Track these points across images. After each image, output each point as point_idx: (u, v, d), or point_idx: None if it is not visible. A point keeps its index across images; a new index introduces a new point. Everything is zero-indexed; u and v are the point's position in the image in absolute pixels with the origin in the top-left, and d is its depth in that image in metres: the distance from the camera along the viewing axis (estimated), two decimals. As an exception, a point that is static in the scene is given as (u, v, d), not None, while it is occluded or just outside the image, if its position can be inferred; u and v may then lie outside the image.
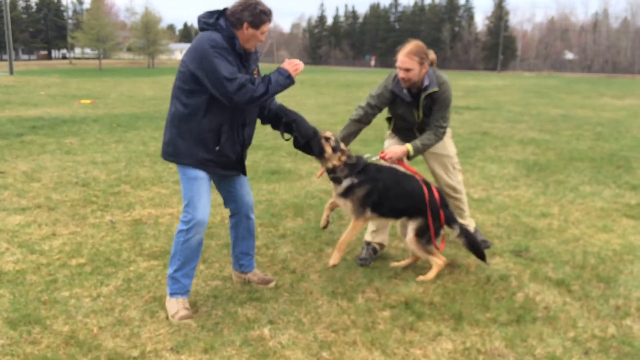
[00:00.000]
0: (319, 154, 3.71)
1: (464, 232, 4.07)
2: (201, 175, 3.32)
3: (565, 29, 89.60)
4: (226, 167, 3.40)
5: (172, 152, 3.33)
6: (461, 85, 30.96)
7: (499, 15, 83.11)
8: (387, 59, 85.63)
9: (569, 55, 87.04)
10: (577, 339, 3.15)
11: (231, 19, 3.20)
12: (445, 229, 4.08)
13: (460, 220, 4.63)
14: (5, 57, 47.28)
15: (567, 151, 9.34)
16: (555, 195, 6.38)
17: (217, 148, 3.29)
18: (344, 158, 3.77)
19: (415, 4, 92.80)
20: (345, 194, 3.81)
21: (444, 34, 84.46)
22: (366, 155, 4.03)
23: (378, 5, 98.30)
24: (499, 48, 78.98)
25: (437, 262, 3.95)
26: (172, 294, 3.38)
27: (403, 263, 4.20)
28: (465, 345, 3.07)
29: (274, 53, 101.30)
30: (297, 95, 21.50)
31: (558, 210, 5.76)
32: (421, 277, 3.91)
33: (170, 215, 5.35)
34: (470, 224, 4.68)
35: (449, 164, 4.49)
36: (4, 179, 6.64)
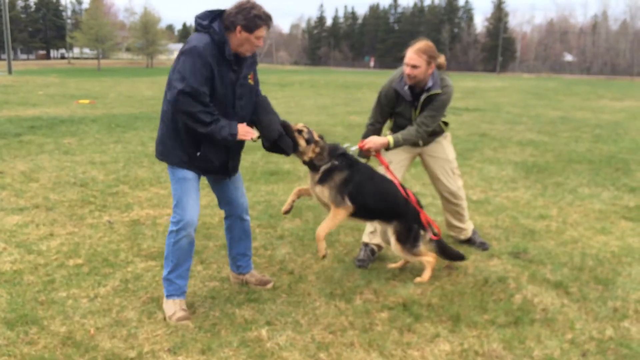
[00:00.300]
0: (293, 149, 3.56)
1: (440, 243, 4.05)
2: (189, 175, 3.31)
3: (564, 31, 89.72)
4: (209, 172, 3.39)
5: (162, 151, 3.34)
6: (460, 87, 30.98)
7: (499, 16, 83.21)
8: (386, 60, 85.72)
9: (568, 57, 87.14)
10: (575, 341, 3.15)
11: (226, 22, 3.17)
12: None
13: (459, 225, 4.64)
14: (4, 56, 47.24)
15: (565, 153, 9.35)
16: (553, 197, 6.38)
17: (198, 154, 3.26)
18: (317, 149, 3.66)
19: (415, 5, 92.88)
20: (323, 179, 3.68)
21: (444, 35, 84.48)
22: (345, 145, 3.93)
23: (377, 6, 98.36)
24: (498, 49, 79.09)
25: (429, 260, 3.94)
26: (168, 296, 3.38)
27: (400, 264, 4.19)
28: (463, 346, 3.07)
29: (273, 54, 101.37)
30: (296, 96, 21.50)
31: (556, 212, 5.76)
32: (418, 279, 3.91)
33: (168, 215, 5.34)
34: (468, 226, 4.69)
35: (448, 168, 4.48)
36: (2, 178, 6.63)
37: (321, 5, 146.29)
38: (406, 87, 4.15)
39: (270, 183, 6.81)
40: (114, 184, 6.52)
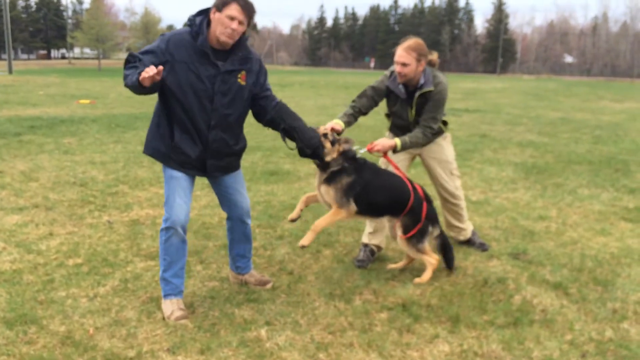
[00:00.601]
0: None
1: (442, 236, 4.08)
2: (177, 174, 3.31)
3: (564, 32, 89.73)
4: (184, 165, 3.32)
5: (146, 144, 3.43)
6: (460, 88, 30.99)
7: (499, 18, 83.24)
8: (386, 61, 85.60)
9: (568, 59, 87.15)
10: (574, 342, 3.15)
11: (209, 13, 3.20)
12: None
13: (458, 224, 4.64)
14: (5, 56, 47.25)
15: (565, 154, 9.35)
16: (553, 198, 6.38)
17: (172, 143, 3.27)
18: (341, 148, 3.70)
19: (415, 6, 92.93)
20: (330, 179, 3.69)
21: (444, 36, 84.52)
22: (355, 148, 3.93)
23: (378, 7, 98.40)
24: (498, 51, 79.10)
25: (431, 261, 3.95)
26: (165, 296, 3.38)
27: (400, 265, 4.20)
28: (462, 347, 3.07)
29: (274, 54, 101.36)
30: (296, 96, 21.51)
31: (556, 213, 5.76)
32: (417, 280, 3.91)
33: (168, 215, 5.34)
34: (468, 227, 4.69)
35: (447, 169, 4.50)
36: (1, 178, 6.63)
37: (321, 6, 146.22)
38: (400, 86, 4.16)
39: (270, 183, 6.81)
40: (113, 184, 6.52)
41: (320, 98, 21.59)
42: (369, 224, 4.35)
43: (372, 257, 4.33)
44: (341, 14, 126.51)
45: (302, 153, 3.51)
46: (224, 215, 5.25)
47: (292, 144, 3.52)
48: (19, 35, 79.30)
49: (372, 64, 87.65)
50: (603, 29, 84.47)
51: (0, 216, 5.18)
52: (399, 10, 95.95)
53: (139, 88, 2.98)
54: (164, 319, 3.29)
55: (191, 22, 3.20)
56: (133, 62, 3.09)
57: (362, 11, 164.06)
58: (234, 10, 3.09)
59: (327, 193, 3.72)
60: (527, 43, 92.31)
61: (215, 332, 3.16)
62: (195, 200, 5.80)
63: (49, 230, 4.84)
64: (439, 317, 3.40)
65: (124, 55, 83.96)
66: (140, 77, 2.90)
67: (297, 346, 3.04)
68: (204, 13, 3.22)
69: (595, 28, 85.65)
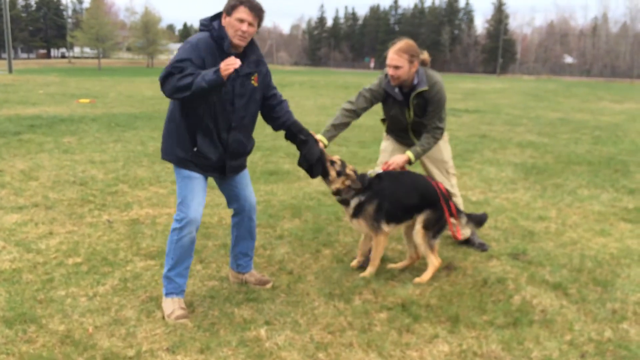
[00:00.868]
0: (323, 176, 3.83)
1: (470, 217, 4.20)
2: (194, 174, 3.33)
3: (564, 33, 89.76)
4: (206, 169, 3.38)
5: (164, 149, 3.39)
6: (460, 88, 31.00)
7: (499, 18, 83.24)
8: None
9: (568, 59, 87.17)
10: (573, 343, 3.15)
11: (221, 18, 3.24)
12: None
13: (454, 222, 4.65)
14: (4, 55, 47.24)
15: (565, 154, 9.35)
16: (553, 198, 6.38)
17: (195, 149, 3.29)
18: (347, 182, 3.86)
19: (415, 6, 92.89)
20: (356, 213, 3.89)
21: (444, 36, 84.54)
22: (369, 172, 4.08)
23: (378, 7, 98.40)
24: (498, 51, 79.10)
25: (434, 262, 3.95)
26: (167, 294, 3.38)
27: (400, 265, 4.20)
28: (462, 347, 3.07)
29: (274, 54, 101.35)
30: (296, 96, 21.52)
31: (556, 213, 5.76)
32: (417, 279, 3.91)
33: (167, 215, 5.34)
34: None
35: (442, 168, 4.55)
36: (1, 177, 6.63)
37: (321, 6, 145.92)
38: (396, 89, 4.15)
39: (270, 183, 6.81)
40: (113, 183, 6.52)
41: (320, 98, 21.60)
42: None
43: (372, 257, 4.33)
44: (341, 14, 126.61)
45: (300, 163, 3.71)
46: (224, 215, 5.26)
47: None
48: (18, 35, 79.25)
49: (372, 64, 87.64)
50: (603, 29, 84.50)
51: (0, 215, 5.18)
52: (399, 11, 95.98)
53: (215, 87, 2.99)
54: (163, 318, 3.29)
55: (208, 26, 3.22)
56: (178, 72, 3.05)
57: (362, 11, 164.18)
58: (242, 12, 3.15)
59: (360, 226, 3.96)
60: (527, 43, 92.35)
61: (214, 332, 3.16)
62: (195, 199, 5.79)
63: (48, 229, 4.84)
64: (438, 317, 3.40)
65: (123, 55, 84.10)
66: (225, 72, 2.93)
67: (297, 346, 3.04)
68: (218, 18, 3.26)
69: (595, 29, 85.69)
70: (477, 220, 4.20)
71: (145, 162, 7.77)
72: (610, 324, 3.37)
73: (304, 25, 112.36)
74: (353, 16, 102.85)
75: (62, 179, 6.67)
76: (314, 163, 3.65)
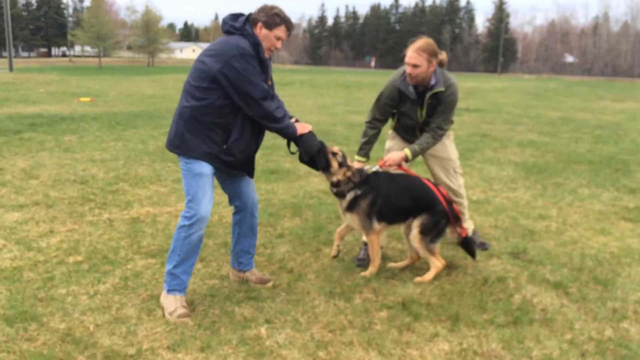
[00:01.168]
0: (325, 169, 3.79)
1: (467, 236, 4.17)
2: (206, 171, 3.34)
3: (565, 32, 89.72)
4: (231, 166, 3.42)
5: (179, 145, 3.34)
6: (461, 87, 30.70)
7: (500, 17, 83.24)
8: (387, 60, 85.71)
9: (569, 58, 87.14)
10: (574, 341, 3.15)
11: (251, 23, 3.30)
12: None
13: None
14: (5, 54, 47.24)
15: (565, 154, 9.35)
16: (553, 197, 6.38)
17: (225, 147, 3.33)
18: (349, 173, 3.84)
19: (416, 5, 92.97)
20: (351, 207, 3.88)
21: (445, 35, 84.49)
22: (366, 167, 4.07)
23: (379, 6, 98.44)
24: (499, 50, 79.09)
25: (436, 264, 3.94)
26: (170, 291, 3.37)
27: (401, 264, 4.20)
28: (462, 346, 3.07)
29: (274, 53, 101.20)
30: (297, 95, 21.52)
31: (556, 212, 5.76)
32: (418, 278, 3.91)
33: (168, 213, 5.34)
34: (469, 226, 4.69)
35: (449, 167, 4.48)
36: (2, 175, 6.63)
37: (322, 5, 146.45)
38: (410, 87, 4.13)
39: (270, 182, 6.81)
40: (114, 182, 6.53)
41: (320, 97, 21.59)
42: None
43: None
44: (342, 13, 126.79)
45: (301, 158, 3.67)
46: (224, 213, 5.26)
47: (295, 148, 3.67)
48: (19, 33, 79.31)
49: (372, 63, 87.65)
50: (604, 28, 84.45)
51: (0, 213, 5.18)
52: (400, 9, 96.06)
53: (292, 138, 3.54)
54: (164, 316, 3.29)
55: (242, 30, 3.27)
56: (270, 97, 3.31)
57: (362, 10, 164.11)
58: (282, 32, 3.34)
59: (353, 221, 3.93)
60: (528, 42, 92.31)
61: (215, 330, 3.16)
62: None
63: (49, 227, 4.84)
64: (438, 315, 3.40)
65: (124, 53, 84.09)
66: (300, 133, 3.52)
67: (297, 344, 3.04)
68: (246, 21, 3.31)
69: (596, 28, 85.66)
70: (467, 242, 4.17)
71: (145, 161, 7.77)
72: (611, 323, 3.37)
73: (304, 24, 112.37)
74: (354, 15, 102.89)
75: (63, 177, 6.67)
76: (314, 155, 3.64)
